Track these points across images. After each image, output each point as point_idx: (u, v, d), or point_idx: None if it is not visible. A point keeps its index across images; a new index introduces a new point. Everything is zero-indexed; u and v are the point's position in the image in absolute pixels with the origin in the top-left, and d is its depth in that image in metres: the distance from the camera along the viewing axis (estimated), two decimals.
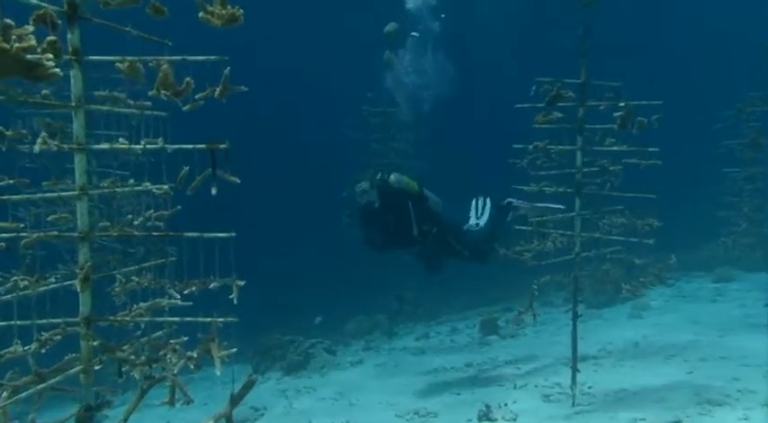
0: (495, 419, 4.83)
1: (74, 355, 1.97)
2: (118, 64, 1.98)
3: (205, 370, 2.45)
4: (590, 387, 5.22)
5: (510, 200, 6.85)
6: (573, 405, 4.86)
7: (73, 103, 2.06)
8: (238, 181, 2.03)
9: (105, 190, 2.29)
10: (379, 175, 6.23)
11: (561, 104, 4.20)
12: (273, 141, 17.17)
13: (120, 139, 2.15)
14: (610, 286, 4.68)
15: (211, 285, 2.18)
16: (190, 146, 2.03)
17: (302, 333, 8.54)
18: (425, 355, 7.79)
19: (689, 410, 4.42)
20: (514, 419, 4.81)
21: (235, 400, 1.96)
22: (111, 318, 1.96)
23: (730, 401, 4.50)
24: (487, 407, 4.94)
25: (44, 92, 2.03)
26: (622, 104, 4.11)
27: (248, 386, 2.04)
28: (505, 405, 5.07)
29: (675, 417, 4.33)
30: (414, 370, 7.01)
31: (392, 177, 6.21)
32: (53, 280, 1.99)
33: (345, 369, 7.68)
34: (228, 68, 1.92)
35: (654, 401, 4.69)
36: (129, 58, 1.96)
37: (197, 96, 1.99)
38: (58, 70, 1.28)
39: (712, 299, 8.26)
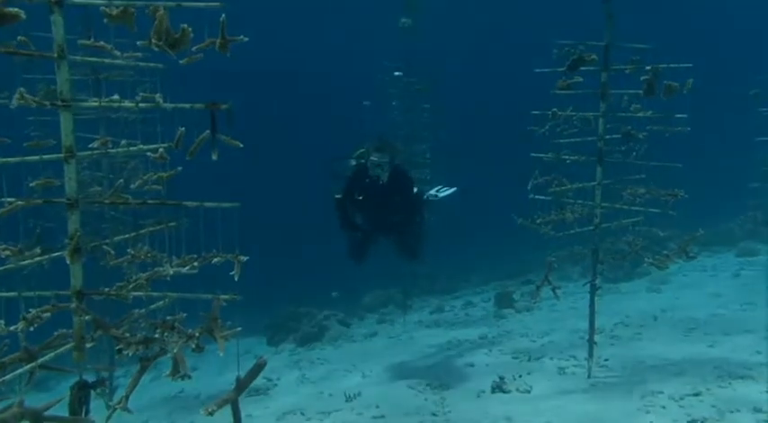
0: (509, 391, 4.76)
1: (65, 330, 1.88)
2: (105, 9, 1.81)
3: None
4: (606, 360, 5.13)
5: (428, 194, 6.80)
6: (588, 377, 4.78)
7: (55, 54, 1.89)
8: (241, 145, 1.89)
9: (95, 152, 2.16)
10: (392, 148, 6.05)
11: (583, 68, 3.98)
12: (289, 116, 16.92)
13: (115, 96, 2.00)
14: (630, 258, 4.51)
15: (214, 260, 2.07)
16: (188, 105, 1.88)
17: (317, 306, 8.52)
18: (439, 328, 7.74)
19: (709, 383, 4.31)
20: (529, 391, 4.73)
21: (241, 385, 1.87)
22: (106, 291, 1.87)
23: (753, 375, 4.38)
24: (501, 378, 4.87)
25: (20, 38, 1.84)
26: (649, 68, 3.87)
27: (257, 370, 1.95)
28: (520, 377, 5.00)
29: (695, 389, 4.23)
30: (427, 342, 6.96)
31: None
32: (38, 250, 1.88)
33: (359, 341, 7.67)
34: (224, 15, 1.75)
35: (673, 374, 4.59)
36: (118, 1, 1.77)
37: (195, 47, 1.83)
38: (17, 10, 1.12)
39: (735, 273, 8.05)
